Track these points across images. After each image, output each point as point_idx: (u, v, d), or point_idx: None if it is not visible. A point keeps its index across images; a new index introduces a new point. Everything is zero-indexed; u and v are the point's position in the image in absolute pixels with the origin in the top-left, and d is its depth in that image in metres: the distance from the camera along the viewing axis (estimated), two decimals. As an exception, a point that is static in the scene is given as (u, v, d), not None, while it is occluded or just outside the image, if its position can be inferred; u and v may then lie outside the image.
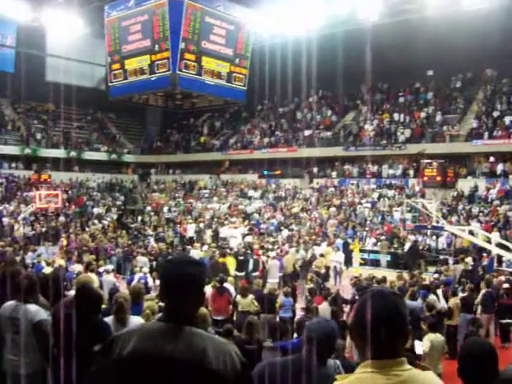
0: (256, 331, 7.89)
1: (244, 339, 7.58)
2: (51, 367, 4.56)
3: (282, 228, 30.06)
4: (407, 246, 24.62)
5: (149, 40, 19.02)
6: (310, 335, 3.56)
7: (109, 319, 5.40)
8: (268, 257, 19.44)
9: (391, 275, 16.66)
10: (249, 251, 20.51)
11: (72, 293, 7.81)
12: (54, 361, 4.43)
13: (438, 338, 8.95)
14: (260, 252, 20.86)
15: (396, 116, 37.16)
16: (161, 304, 7.53)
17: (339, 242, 24.53)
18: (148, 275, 15.02)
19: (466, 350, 3.08)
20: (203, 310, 7.46)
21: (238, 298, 12.17)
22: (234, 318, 11.96)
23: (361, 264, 24.61)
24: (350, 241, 25.80)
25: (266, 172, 40.08)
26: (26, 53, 37.40)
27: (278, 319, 12.16)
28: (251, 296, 12.10)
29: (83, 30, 37.36)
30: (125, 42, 19.89)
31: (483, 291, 13.18)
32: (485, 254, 21.29)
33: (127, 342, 2.36)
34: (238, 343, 6.77)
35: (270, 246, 22.69)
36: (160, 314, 2.65)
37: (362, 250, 26.54)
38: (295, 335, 8.13)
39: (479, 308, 12.67)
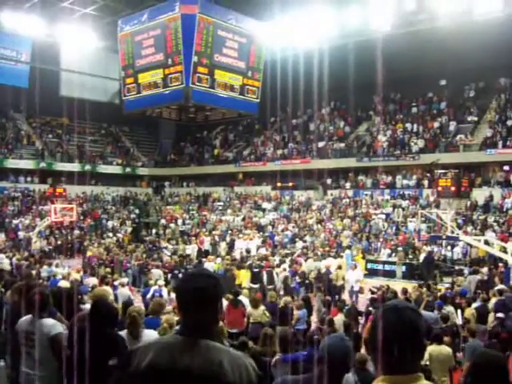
0: (272, 343, 7.88)
1: (259, 351, 7.57)
2: (67, 380, 4.58)
3: (297, 240, 30.01)
4: (422, 256, 24.46)
5: (162, 54, 19.11)
6: (324, 356, 3.54)
7: (122, 333, 5.42)
8: (284, 269, 19.38)
9: (406, 286, 16.51)
10: (263, 263, 20.46)
11: (87, 306, 7.85)
12: (70, 374, 4.46)
13: (441, 350, 8.64)
14: (274, 264, 20.79)
15: (409, 126, 37.08)
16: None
17: (348, 253, 24.40)
18: (163, 288, 15.03)
19: (475, 362, 3.06)
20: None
21: (250, 309, 12.18)
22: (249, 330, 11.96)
23: (365, 275, 24.22)
24: (355, 252, 25.58)
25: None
26: (41, 68, 37.76)
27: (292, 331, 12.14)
28: (263, 307, 12.11)
29: (97, 44, 37.85)
30: (138, 56, 20.01)
31: (495, 299, 13.08)
32: (501, 264, 21.10)
33: (144, 356, 2.39)
34: (253, 355, 6.77)
35: (283, 258, 22.62)
36: (178, 327, 2.67)
37: (376, 261, 26.43)
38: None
39: (492, 316, 12.53)
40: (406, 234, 28.70)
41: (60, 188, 34.34)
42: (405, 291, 14.33)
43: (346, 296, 17.92)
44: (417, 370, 2.15)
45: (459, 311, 12.91)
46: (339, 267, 19.96)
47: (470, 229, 26.96)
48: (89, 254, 25.82)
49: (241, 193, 42.45)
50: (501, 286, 14.74)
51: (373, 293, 15.45)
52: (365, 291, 17.84)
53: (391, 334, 2.11)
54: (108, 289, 12.39)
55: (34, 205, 38.08)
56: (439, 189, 24.68)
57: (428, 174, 33.40)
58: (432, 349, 8.45)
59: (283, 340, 7.67)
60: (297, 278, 19.36)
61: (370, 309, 12.71)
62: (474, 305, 12.96)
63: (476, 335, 10.33)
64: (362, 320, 12.86)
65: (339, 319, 11.16)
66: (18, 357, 5.25)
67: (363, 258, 25.37)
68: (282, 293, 17.47)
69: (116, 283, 15.43)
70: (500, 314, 11.81)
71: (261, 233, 32.06)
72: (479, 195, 30.49)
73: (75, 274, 17.93)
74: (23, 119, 44.77)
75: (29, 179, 40.84)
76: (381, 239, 29.03)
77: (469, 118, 35.15)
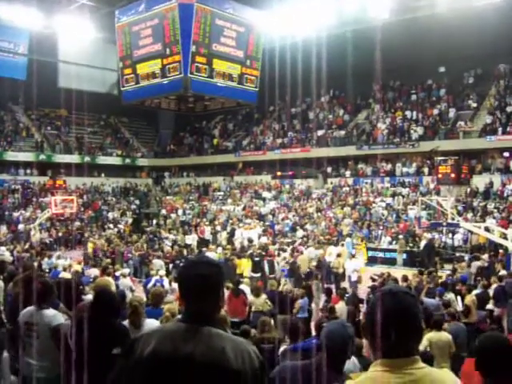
0: (269, 330, 7.90)
1: (258, 338, 7.60)
2: (71, 371, 4.60)
3: (297, 228, 30.05)
4: (423, 243, 24.49)
5: (160, 44, 19.03)
6: (325, 342, 3.57)
7: (124, 323, 5.43)
8: (284, 258, 19.43)
9: (407, 273, 16.54)
10: (264, 253, 20.49)
11: (88, 297, 7.88)
12: (73, 364, 4.48)
13: (440, 336, 8.56)
14: (275, 253, 20.86)
15: (409, 113, 37.03)
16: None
17: (348, 240, 24.52)
18: (164, 278, 15.06)
19: (481, 345, 3.08)
20: (221, 311, 7.47)
21: (252, 298, 12.21)
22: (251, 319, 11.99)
23: (366, 262, 24.18)
24: (355, 241, 25.63)
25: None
26: (39, 60, 37.68)
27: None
28: (264, 296, 12.15)
29: (94, 35, 37.73)
30: (136, 46, 19.92)
31: (495, 285, 13.14)
32: (501, 251, 21.12)
33: (147, 343, 2.40)
34: (255, 343, 6.79)
35: (285, 247, 22.66)
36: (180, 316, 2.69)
37: (376, 249, 26.49)
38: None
39: (491, 302, 12.59)
40: (406, 222, 28.73)
41: (60, 180, 34.31)
42: (405, 278, 14.37)
43: (346, 284, 17.95)
44: (414, 353, 2.16)
45: (459, 298, 12.95)
46: (338, 255, 20.00)
47: (470, 215, 27.00)
48: (90, 245, 25.86)
49: (241, 182, 42.47)
50: (503, 272, 14.79)
51: (374, 280, 15.50)
52: (363, 281, 17.90)
53: (387, 317, 2.12)
54: (110, 279, 12.41)
55: (34, 197, 38.13)
56: (439, 176, 24.64)
57: (428, 162, 33.40)
58: (431, 335, 8.43)
59: (290, 328, 7.69)
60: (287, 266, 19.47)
61: (371, 296, 12.73)
62: (475, 291, 13.01)
63: (458, 318, 10.41)
64: (363, 308, 12.88)
65: (340, 307, 11.20)
66: (21, 348, 5.27)
67: (365, 246, 25.42)
68: (282, 281, 17.50)
69: (117, 274, 15.47)
70: (490, 306, 11.85)
71: (261, 222, 32.08)
72: (479, 182, 30.51)
73: (76, 265, 17.99)
74: (22, 111, 44.72)
75: (28, 171, 40.84)
76: (381, 227, 29.07)
77: (468, 105, 35.10)
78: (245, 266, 18.76)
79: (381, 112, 38.10)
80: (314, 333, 8.22)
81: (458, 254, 23.97)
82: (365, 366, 4.78)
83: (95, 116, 48.64)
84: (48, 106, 44.21)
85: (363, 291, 15.37)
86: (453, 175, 23.88)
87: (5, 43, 38.76)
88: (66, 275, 13.68)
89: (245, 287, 13.05)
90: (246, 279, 15.51)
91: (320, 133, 39.57)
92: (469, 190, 30.13)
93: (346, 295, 12.81)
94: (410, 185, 33.33)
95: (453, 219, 22.98)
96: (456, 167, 23.73)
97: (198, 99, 22.37)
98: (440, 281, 14.50)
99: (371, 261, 24.73)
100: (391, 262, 25.23)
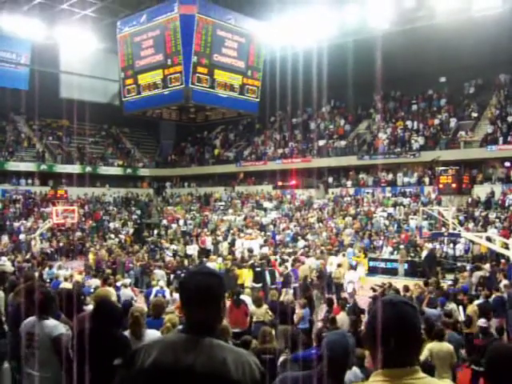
0: (270, 340, 7.89)
1: (259, 348, 7.58)
2: (72, 382, 4.59)
3: (298, 238, 30.01)
4: (424, 253, 24.46)
5: (161, 55, 19.11)
6: (326, 352, 3.56)
7: (125, 333, 5.43)
8: (286, 268, 19.38)
9: (409, 283, 16.50)
10: (265, 262, 20.42)
11: (90, 307, 7.87)
12: (75, 375, 4.47)
13: (442, 346, 8.47)
14: (276, 263, 20.81)
15: (409, 123, 37.04)
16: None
17: (350, 251, 24.53)
18: (165, 288, 15.04)
19: (491, 356, 3.08)
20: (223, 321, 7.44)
21: (253, 308, 12.20)
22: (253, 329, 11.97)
23: (367, 274, 23.99)
24: (356, 251, 25.59)
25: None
26: (40, 70, 37.84)
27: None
28: (265, 306, 12.13)
29: (96, 46, 37.90)
30: (137, 57, 20.01)
31: (493, 296, 13.13)
32: (503, 261, 21.06)
33: (148, 354, 2.40)
34: (256, 354, 6.77)
35: (286, 257, 22.61)
36: (181, 327, 2.69)
37: (378, 259, 26.41)
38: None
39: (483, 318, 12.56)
40: (407, 232, 28.69)
41: (61, 190, 34.30)
42: (406, 288, 14.34)
43: (347, 294, 17.90)
44: (414, 364, 2.16)
45: (461, 308, 12.91)
46: (339, 265, 19.96)
47: (471, 225, 26.95)
48: (91, 256, 25.81)
49: (242, 192, 42.45)
50: (505, 282, 14.75)
51: (374, 290, 15.46)
52: (363, 291, 17.86)
53: (387, 328, 2.12)
54: (111, 289, 12.40)
55: (36, 207, 38.12)
56: (440, 186, 24.53)
57: (429, 171, 33.38)
58: (432, 346, 8.37)
59: (290, 339, 7.68)
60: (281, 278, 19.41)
61: (372, 306, 12.67)
62: (477, 301, 12.96)
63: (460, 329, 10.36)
64: (365, 318, 12.83)
65: (341, 317, 11.18)
66: (23, 358, 5.26)
67: (365, 256, 25.33)
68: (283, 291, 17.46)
69: (118, 284, 15.45)
70: (482, 323, 11.79)
71: (263, 232, 32.04)
72: (481, 192, 30.49)
73: (77, 275, 17.97)
74: (23, 122, 44.75)
75: (30, 181, 40.82)
76: (382, 237, 29.03)
77: (469, 114, 35.14)
78: (246, 277, 18.71)
79: (382, 122, 38.16)
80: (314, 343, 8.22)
81: (459, 264, 23.93)
82: (367, 376, 4.77)
83: (96, 126, 48.71)
84: (50, 116, 44.34)
85: (364, 301, 15.34)
86: (454, 185, 23.78)
87: (7, 54, 38.93)
88: (67, 285, 13.66)
89: (246, 297, 13.03)
90: (247, 289, 15.47)
91: (321, 143, 39.59)
92: (470, 199, 30.10)
93: (347, 305, 12.78)
94: (411, 195, 33.31)
95: (454, 229, 22.92)
96: (457, 177, 23.62)
97: (200, 109, 22.43)
98: (442, 291, 14.47)
99: (372, 271, 24.64)
100: (392, 272, 25.15)
